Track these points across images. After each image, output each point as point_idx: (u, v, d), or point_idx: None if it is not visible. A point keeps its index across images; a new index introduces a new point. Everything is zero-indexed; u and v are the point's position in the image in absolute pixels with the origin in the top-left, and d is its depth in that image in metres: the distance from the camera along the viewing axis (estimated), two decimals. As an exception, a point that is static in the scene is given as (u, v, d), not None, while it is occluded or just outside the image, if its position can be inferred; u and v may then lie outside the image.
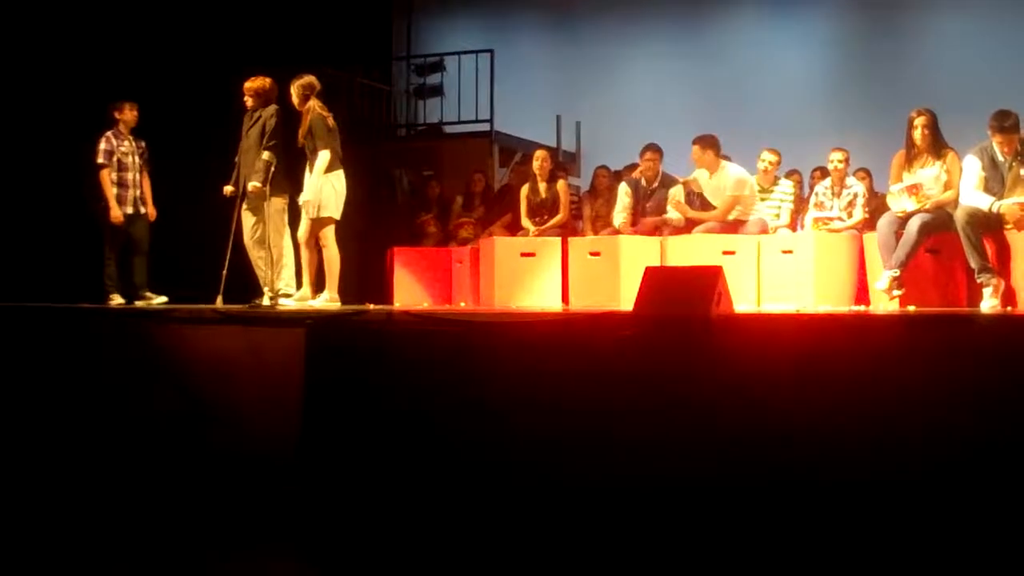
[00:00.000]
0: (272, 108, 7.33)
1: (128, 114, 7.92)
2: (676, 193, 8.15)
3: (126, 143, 7.93)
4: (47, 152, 8.53)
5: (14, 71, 8.65)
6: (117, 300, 7.73)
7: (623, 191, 8.40)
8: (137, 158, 7.96)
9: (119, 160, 7.87)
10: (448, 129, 11.58)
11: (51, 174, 8.53)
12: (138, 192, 7.95)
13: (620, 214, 8.33)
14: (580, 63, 11.88)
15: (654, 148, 8.35)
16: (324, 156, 7.14)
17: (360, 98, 11.67)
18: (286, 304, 7.10)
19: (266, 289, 7.24)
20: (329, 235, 7.26)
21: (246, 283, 7.45)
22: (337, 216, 7.27)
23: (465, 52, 11.29)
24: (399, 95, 12.45)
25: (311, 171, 7.22)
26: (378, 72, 12.13)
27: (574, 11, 12.15)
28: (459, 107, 11.26)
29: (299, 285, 7.40)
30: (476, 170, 10.09)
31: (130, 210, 7.90)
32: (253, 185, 7.17)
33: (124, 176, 7.89)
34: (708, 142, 7.98)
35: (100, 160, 7.80)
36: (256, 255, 7.40)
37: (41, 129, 8.59)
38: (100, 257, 7.83)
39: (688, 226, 8.10)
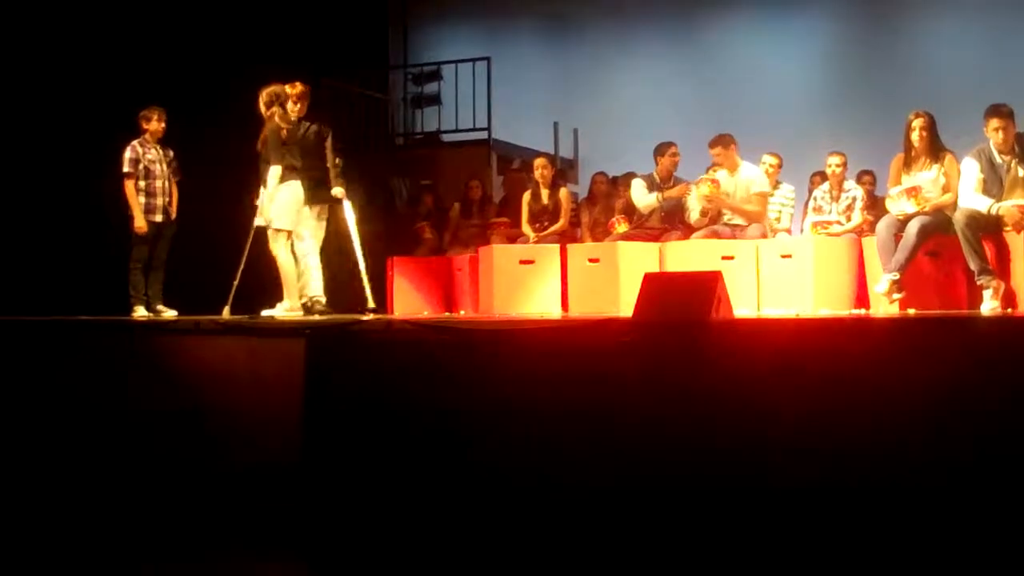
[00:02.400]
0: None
1: (155, 124, 7.86)
2: (702, 193, 8.03)
3: (153, 151, 7.87)
4: (73, 161, 8.54)
5: (41, 81, 8.67)
6: (141, 312, 7.70)
7: (639, 184, 8.38)
8: (165, 166, 7.92)
9: (146, 168, 7.81)
10: (446, 138, 11.58)
11: (76, 184, 8.53)
12: (166, 200, 7.91)
13: (646, 200, 8.33)
14: (577, 70, 11.89)
15: (673, 144, 8.38)
16: (275, 171, 7.18)
17: (358, 108, 11.68)
18: (268, 314, 7.16)
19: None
20: (279, 246, 7.25)
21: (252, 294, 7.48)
22: (290, 227, 7.29)
23: (462, 60, 11.30)
24: (396, 104, 12.46)
25: (264, 182, 7.29)
26: (375, 82, 12.14)
27: (570, 18, 12.15)
28: (456, 115, 11.26)
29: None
30: (472, 177, 10.09)
31: (159, 218, 7.86)
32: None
33: (152, 184, 7.83)
34: (729, 140, 7.96)
35: (126, 169, 7.75)
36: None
37: (67, 138, 8.60)
38: (125, 268, 7.81)
39: (688, 231, 8.10)
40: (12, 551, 4.91)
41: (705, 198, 7.88)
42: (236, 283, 7.27)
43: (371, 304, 7.53)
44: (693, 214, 8.14)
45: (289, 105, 7.39)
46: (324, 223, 7.75)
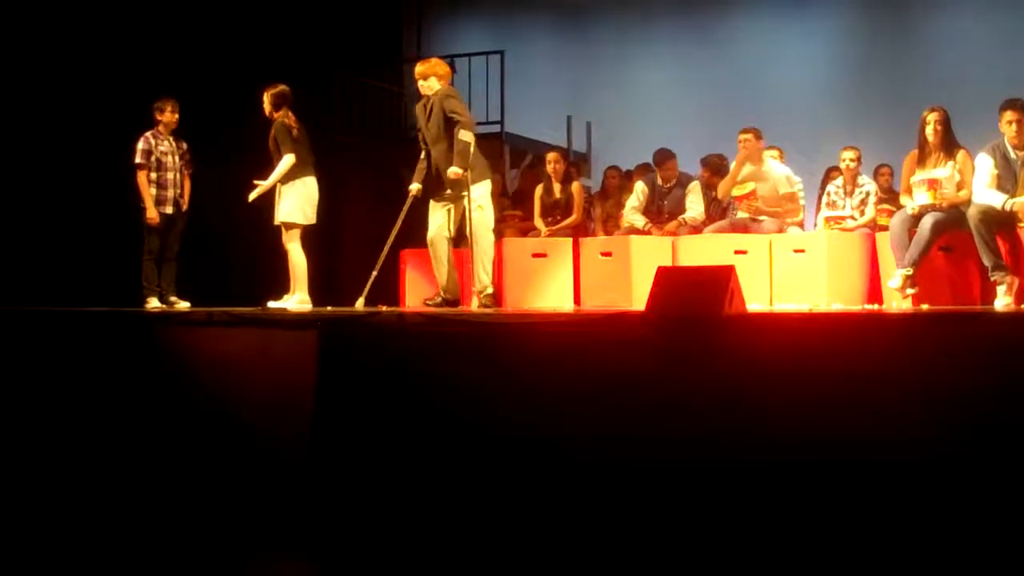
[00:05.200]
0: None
1: (169, 115, 7.83)
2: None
3: (165, 143, 7.84)
4: (88, 153, 8.56)
5: (55, 73, 8.69)
6: (154, 303, 7.70)
7: (639, 189, 8.42)
8: (177, 158, 7.90)
9: (158, 160, 7.78)
10: (459, 131, 11.56)
11: (92, 175, 8.55)
12: (178, 192, 7.89)
13: (633, 212, 8.32)
14: (590, 63, 11.86)
15: (670, 154, 8.38)
16: (287, 160, 7.21)
17: (371, 101, 11.68)
18: (274, 305, 7.20)
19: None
20: (292, 240, 7.31)
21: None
22: (303, 222, 7.33)
23: (475, 54, 11.27)
24: (410, 97, 12.42)
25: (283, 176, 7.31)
26: (389, 74, 12.13)
27: (584, 11, 12.12)
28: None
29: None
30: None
31: (169, 210, 7.83)
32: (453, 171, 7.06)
33: (163, 176, 7.80)
34: (760, 134, 8.01)
35: (137, 160, 7.72)
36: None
37: (82, 129, 8.62)
38: (138, 259, 7.82)
39: (699, 226, 8.09)
40: (16, 547, 4.93)
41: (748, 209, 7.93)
42: (375, 274, 7.31)
43: (488, 291, 7.25)
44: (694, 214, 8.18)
45: (419, 84, 7.33)
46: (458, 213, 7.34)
